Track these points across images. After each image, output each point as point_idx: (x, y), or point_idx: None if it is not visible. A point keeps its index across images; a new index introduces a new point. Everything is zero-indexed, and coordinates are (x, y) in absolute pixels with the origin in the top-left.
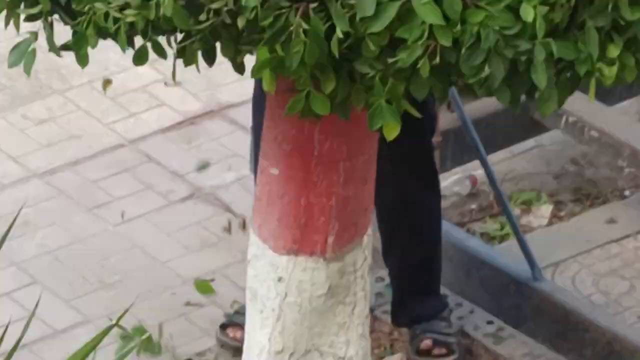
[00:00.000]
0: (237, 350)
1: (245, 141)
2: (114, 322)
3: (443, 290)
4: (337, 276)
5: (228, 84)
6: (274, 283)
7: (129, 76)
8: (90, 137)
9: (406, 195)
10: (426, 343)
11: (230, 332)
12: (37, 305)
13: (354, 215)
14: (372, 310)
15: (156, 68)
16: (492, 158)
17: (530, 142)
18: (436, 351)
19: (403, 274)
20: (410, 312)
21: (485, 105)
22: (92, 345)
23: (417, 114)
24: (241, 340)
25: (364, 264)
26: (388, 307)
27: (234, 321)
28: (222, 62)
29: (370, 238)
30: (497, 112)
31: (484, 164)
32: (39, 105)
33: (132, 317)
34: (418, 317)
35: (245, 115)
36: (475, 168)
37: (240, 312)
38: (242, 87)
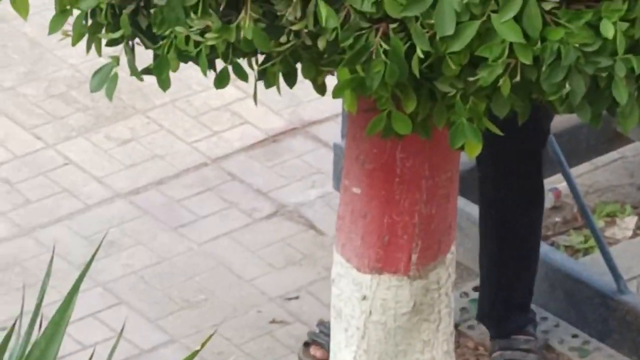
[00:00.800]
0: None
1: (328, 158)
2: (199, 343)
3: None
4: (421, 294)
5: (310, 100)
6: (358, 302)
7: (211, 94)
8: (174, 156)
9: (509, 203)
10: None
11: (312, 350)
12: (123, 325)
13: (437, 233)
14: (456, 325)
15: (238, 86)
16: (575, 171)
17: (613, 154)
18: None
19: (494, 279)
20: (496, 323)
21: (567, 118)
22: None
23: (498, 132)
24: None
25: (448, 281)
26: (473, 322)
27: (317, 340)
28: (304, 80)
29: (454, 255)
30: (579, 124)
31: (567, 177)
32: (122, 125)
33: (218, 336)
34: (501, 331)
35: (328, 132)
36: (558, 181)
37: (324, 332)
38: (324, 104)
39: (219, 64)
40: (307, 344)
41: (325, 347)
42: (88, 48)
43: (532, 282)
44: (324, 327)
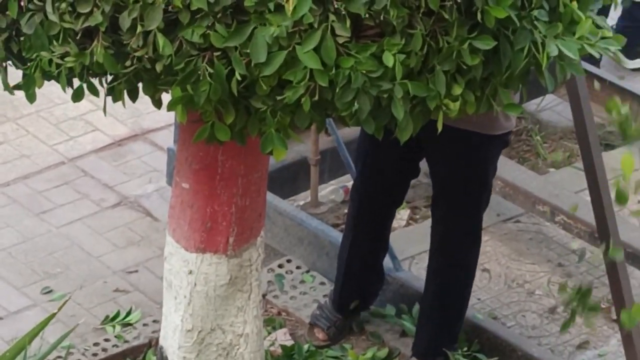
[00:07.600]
0: None
1: (162, 159)
2: (57, 307)
3: (316, 273)
4: (236, 269)
5: (149, 113)
6: (185, 275)
7: (69, 107)
8: (37, 156)
9: (452, 254)
10: None
11: (316, 332)
12: None
13: (250, 221)
14: (264, 295)
15: (91, 100)
16: None
17: None
18: None
19: (434, 313)
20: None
21: (355, 130)
22: (40, 327)
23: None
24: None
25: (258, 259)
26: (277, 293)
27: (318, 324)
28: (144, 95)
29: (263, 239)
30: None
31: (354, 177)
32: None
33: (71, 302)
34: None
35: (163, 138)
36: (347, 180)
37: (323, 315)
38: (160, 116)
39: (76, 82)
40: (311, 325)
41: (325, 330)
42: None
43: (458, 319)
44: (322, 311)
